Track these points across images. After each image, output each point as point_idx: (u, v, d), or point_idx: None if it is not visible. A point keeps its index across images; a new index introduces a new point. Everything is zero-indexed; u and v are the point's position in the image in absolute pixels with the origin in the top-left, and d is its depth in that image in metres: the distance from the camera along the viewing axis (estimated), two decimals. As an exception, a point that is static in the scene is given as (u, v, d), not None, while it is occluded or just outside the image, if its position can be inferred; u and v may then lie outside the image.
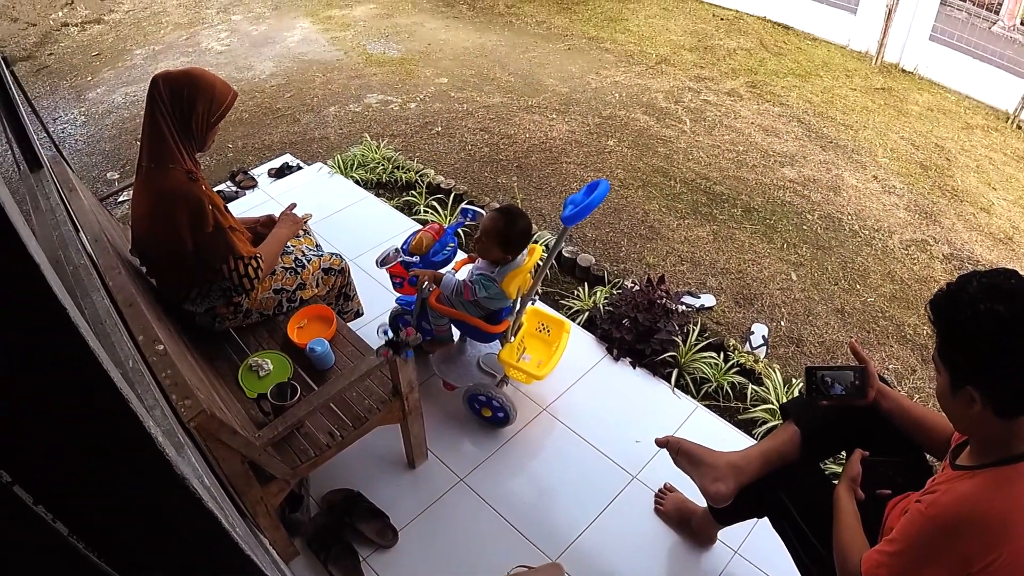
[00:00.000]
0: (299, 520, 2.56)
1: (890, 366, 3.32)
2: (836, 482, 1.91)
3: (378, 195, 4.30)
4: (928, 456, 1.96)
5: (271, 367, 2.50)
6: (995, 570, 1.45)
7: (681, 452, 2.14)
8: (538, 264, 2.68)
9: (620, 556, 2.55)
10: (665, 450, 2.21)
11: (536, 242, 3.55)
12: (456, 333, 2.98)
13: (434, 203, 4.17)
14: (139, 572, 0.95)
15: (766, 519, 2.16)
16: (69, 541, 0.77)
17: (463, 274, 2.75)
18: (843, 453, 2.20)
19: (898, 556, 1.55)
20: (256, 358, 2.52)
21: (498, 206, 2.61)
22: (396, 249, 2.83)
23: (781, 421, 2.21)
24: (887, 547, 1.58)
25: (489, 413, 2.85)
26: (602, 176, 4.34)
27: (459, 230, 3.83)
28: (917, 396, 3.16)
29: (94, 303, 1.89)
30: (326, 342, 2.51)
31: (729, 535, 2.57)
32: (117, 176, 4.70)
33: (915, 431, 1.92)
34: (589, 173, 4.58)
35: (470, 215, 2.93)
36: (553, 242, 2.51)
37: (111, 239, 2.34)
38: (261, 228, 2.80)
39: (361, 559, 2.49)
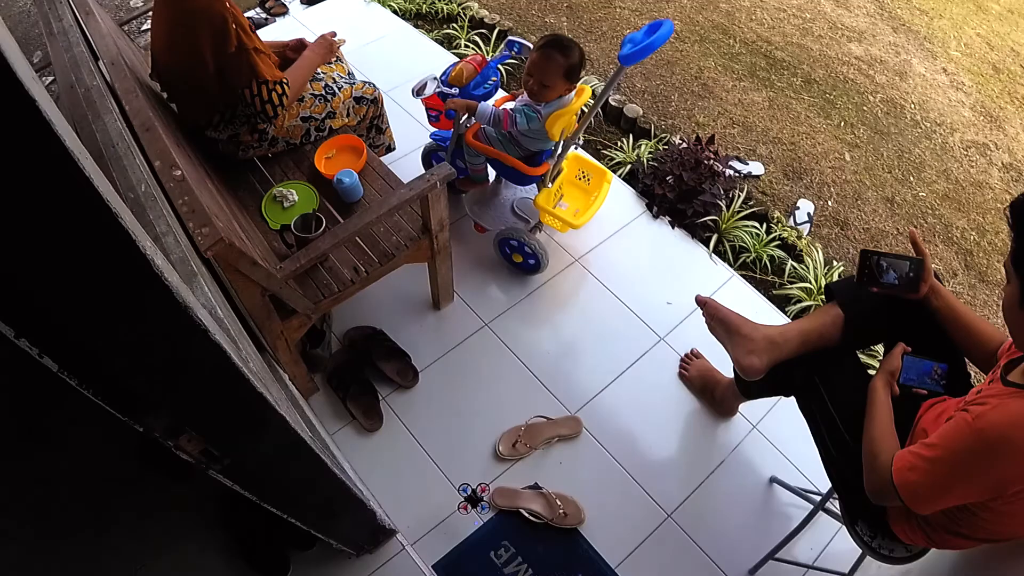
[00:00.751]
0: (320, 356, 2.52)
1: (932, 265, 3.19)
2: (873, 373, 1.83)
3: (416, 26, 3.99)
4: (969, 364, 1.88)
5: (296, 198, 2.36)
6: (1016, 499, 1.41)
7: (718, 318, 2.04)
8: (585, 107, 2.48)
9: (638, 416, 2.54)
10: (700, 313, 2.11)
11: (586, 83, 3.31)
12: (492, 174, 2.83)
13: (476, 38, 3.87)
14: (143, 411, 0.89)
15: (790, 399, 2.11)
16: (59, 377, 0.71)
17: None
18: (881, 347, 2.12)
19: (934, 463, 1.47)
20: (281, 188, 2.38)
21: (541, 38, 2.37)
22: (434, 78, 2.62)
23: (822, 302, 2.10)
24: (924, 451, 1.50)
25: (520, 259, 2.75)
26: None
27: (502, 65, 3.59)
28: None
29: (106, 126, 1.74)
30: (355, 174, 2.36)
31: (749, 410, 2.55)
32: (140, 3, 4.36)
33: (963, 336, 1.82)
34: (643, 20, 4.23)
35: (516, 48, 2.69)
36: (604, 85, 2.30)
37: (129, 62, 2.15)
38: (290, 53, 2.58)
39: (380, 398, 2.48)
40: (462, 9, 4.05)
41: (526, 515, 2.29)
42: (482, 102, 2.47)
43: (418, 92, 2.61)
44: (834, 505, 2.08)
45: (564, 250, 2.90)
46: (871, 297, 1.88)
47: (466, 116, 2.49)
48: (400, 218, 2.35)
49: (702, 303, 2.08)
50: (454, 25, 3.96)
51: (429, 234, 2.30)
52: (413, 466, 2.37)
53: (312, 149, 2.50)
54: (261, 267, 1.76)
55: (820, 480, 2.39)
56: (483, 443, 2.43)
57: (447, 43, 3.87)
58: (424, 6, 4.08)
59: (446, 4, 4.07)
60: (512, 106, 2.46)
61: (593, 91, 2.71)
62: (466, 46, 3.80)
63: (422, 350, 2.59)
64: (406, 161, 3.07)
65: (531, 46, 2.46)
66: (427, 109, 2.69)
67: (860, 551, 2.15)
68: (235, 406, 1.09)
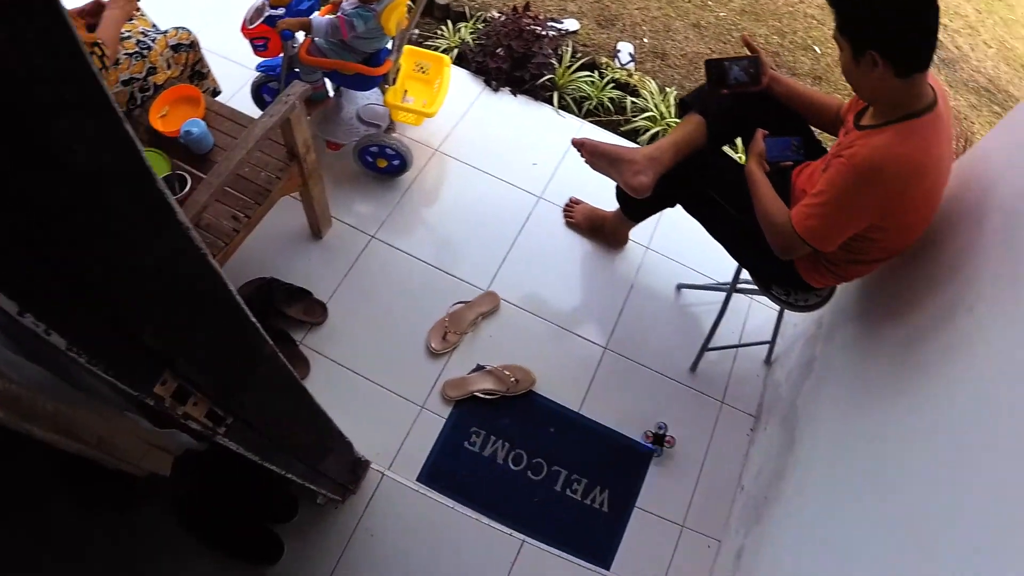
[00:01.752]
0: None
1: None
2: (743, 161, 2.04)
3: None
4: (818, 133, 2.15)
5: None
6: (905, 210, 1.68)
7: (598, 153, 2.17)
8: (411, -1, 2.46)
9: (544, 272, 2.65)
10: (566, 165, 2.24)
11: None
12: (331, 89, 2.75)
13: None
14: (154, 376, 0.85)
15: (672, 213, 2.31)
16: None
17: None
18: (741, 141, 2.32)
19: (826, 205, 1.71)
20: None
21: None
22: (259, 5, 2.48)
23: (679, 118, 2.27)
24: (814, 200, 1.74)
25: (384, 163, 2.72)
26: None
27: None
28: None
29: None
30: (201, 122, 2.22)
31: (638, 234, 2.71)
32: None
33: (806, 110, 2.07)
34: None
35: None
36: None
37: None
38: (90, 19, 2.35)
39: (297, 343, 2.40)
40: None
41: (482, 396, 2.36)
42: (314, 17, 2.39)
43: (251, 22, 2.47)
44: (744, 285, 2.30)
45: (422, 144, 2.89)
46: (722, 99, 2.07)
47: (300, 34, 2.40)
48: (263, 153, 2.24)
49: (579, 144, 2.19)
50: None
51: (297, 159, 2.22)
52: (357, 395, 2.34)
53: (143, 112, 2.32)
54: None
55: (717, 273, 2.62)
56: (414, 348, 2.45)
57: None
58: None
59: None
60: (344, 11, 2.39)
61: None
62: None
63: (320, 282, 2.53)
64: (235, 102, 2.91)
65: None
66: (252, 40, 2.54)
67: (776, 318, 2.42)
68: (234, 345, 1.06)
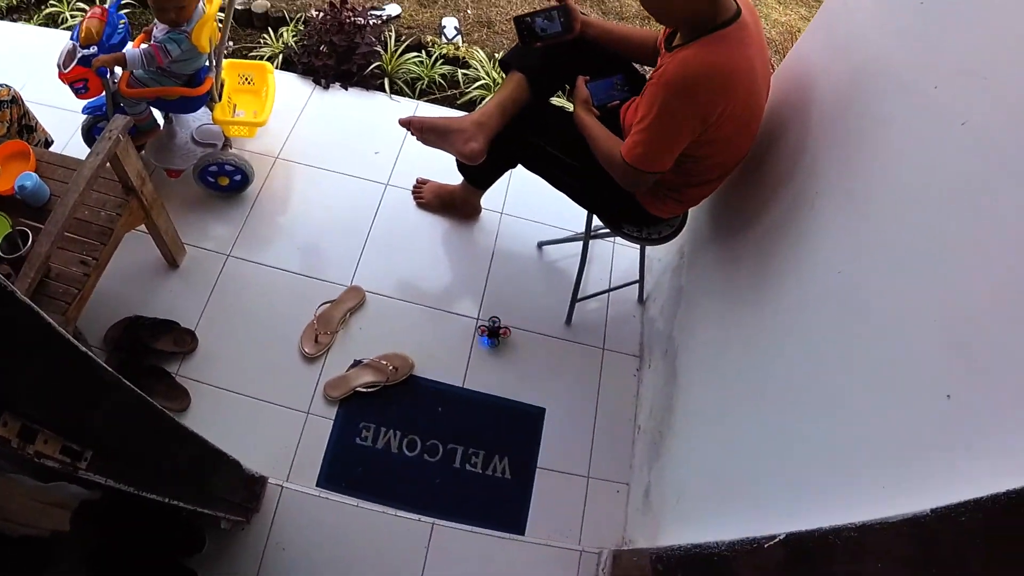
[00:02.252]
0: None
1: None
2: (571, 110, 2.09)
3: (14, 20, 3.47)
4: (638, 67, 2.20)
5: None
6: (725, 119, 1.72)
7: (425, 128, 2.19)
8: (221, 10, 2.42)
9: (405, 257, 2.68)
10: (406, 148, 2.25)
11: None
12: (159, 118, 2.69)
13: (81, 4, 3.46)
14: None
15: (519, 173, 2.36)
16: None
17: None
18: (567, 87, 2.38)
19: (648, 128, 1.76)
20: None
21: None
22: (70, 47, 2.38)
23: (502, 79, 2.30)
24: (637, 127, 1.80)
25: (226, 180, 2.68)
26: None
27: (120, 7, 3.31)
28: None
29: None
30: (34, 175, 2.14)
31: (490, 201, 2.77)
32: None
33: (623, 47, 2.12)
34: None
35: None
36: None
37: None
38: None
39: (173, 375, 2.36)
40: (51, -21, 3.57)
41: (364, 390, 2.38)
42: (127, 50, 2.33)
43: (64, 66, 2.37)
44: (600, 231, 2.38)
45: (261, 155, 2.85)
46: (540, 52, 2.11)
47: (117, 70, 2.33)
48: (99, 192, 2.18)
49: (406, 123, 2.21)
50: (52, 1, 3.50)
51: (135, 192, 2.17)
52: (242, 414, 2.32)
53: None
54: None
55: (574, 224, 2.69)
56: (289, 356, 2.44)
57: (55, 22, 3.41)
58: (9, -1, 3.53)
59: (33, -16, 3.55)
60: (156, 38, 2.34)
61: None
62: (73, 14, 3.40)
63: (185, 311, 2.48)
64: (70, 149, 2.79)
65: None
66: (71, 84, 2.44)
67: (638, 254, 2.51)
68: (70, 377, 1.05)
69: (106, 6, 2.53)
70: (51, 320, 0.92)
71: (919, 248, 1.17)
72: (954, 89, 1.18)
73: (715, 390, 1.98)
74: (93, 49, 2.36)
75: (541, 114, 2.20)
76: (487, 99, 2.27)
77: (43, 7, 3.48)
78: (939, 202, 1.15)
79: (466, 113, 2.41)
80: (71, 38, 2.40)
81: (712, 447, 1.90)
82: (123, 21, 2.47)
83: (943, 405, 1.00)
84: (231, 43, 3.03)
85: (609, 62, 2.14)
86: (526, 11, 2.09)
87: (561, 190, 2.25)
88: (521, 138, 2.18)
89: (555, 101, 2.84)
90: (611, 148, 1.91)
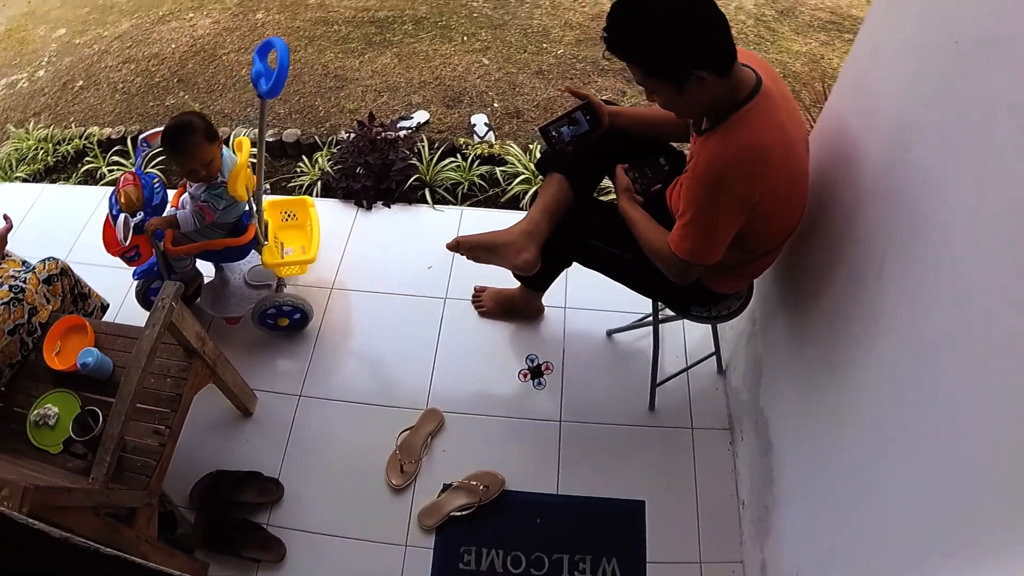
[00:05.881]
0: (185, 534, 2.31)
1: (603, 96, 3.54)
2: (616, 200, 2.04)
3: (54, 181, 3.62)
4: (676, 145, 2.16)
5: (56, 410, 2.11)
6: (768, 195, 1.65)
7: (474, 247, 2.16)
8: (252, 156, 2.46)
9: (476, 370, 2.63)
10: (459, 257, 2.21)
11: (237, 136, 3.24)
12: (208, 270, 2.72)
13: (116, 158, 3.59)
14: None
15: (572, 268, 2.31)
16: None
17: (187, 203, 2.46)
18: (607, 181, 2.34)
19: (692, 222, 1.71)
20: (36, 411, 2.11)
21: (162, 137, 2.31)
22: (123, 220, 2.43)
23: (541, 181, 2.27)
24: (681, 220, 1.74)
25: (286, 321, 2.69)
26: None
27: (148, 166, 3.42)
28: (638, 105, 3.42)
29: None
30: (94, 350, 2.17)
31: (551, 298, 2.71)
32: None
33: (655, 131, 2.09)
34: (249, 56, 4.21)
35: (145, 144, 2.59)
36: (258, 126, 2.29)
37: None
38: None
39: (264, 526, 2.33)
40: (86, 139, 3.72)
41: (459, 514, 2.30)
42: (178, 213, 2.38)
43: (126, 238, 2.41)
44: (666, 312, 2.30)
45: (316, 288, 2.86)
46: (575, 151, 2.07)
47: (159, 234, 2.39)
48: (162, 359, 2.19)
49: (453, 246, 2.18)
50: (88, 158, 3.65)
51: (196, 354, 2.18)
52: (341, 556, 2.26)
53: (37, 355, 2.25)
54: (79, 489, 1.62)
55: (640, 306, 2.60)
56: (377, 491, 2.39)
57: (93, 179, 3.56)
58: (49, 158, 3.68)
59: (68, 145, 3.71)
60: (198, 197, 2.38)
61: (251, 138, 2.68)
62: (110, 170, 3.54)
63: (266, 459, 2.45)
64: (126, 311, 2.85)
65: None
66: (123, 255, 2.50)
67: (709, 327, 2.43)
68: None
69: (135, 169, 2.59)
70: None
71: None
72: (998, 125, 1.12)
73: (812, 458, 1.87)
74: (140, 216, 2.41)
75: (587, 212, 2.15)
76: (531, 205, 2.25)
77: (80, 165, 3.62)
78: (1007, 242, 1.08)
79: (511, 221, 2.39)
80: (111, 211, 2.45)
81: (819, 514, 1.79)
82: (156, 180, 2.53)
83: None
84: (267, 186, 3.08)
85: (644, 147, 2.10)
86: (549, 120, 2.07)
87: (621, 283, 2.19)
88: (571, 239, 2.14)
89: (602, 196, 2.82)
90: (657, 241, 1.85)
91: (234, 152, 2.42)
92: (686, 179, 1.72)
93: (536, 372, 2.48)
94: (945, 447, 1.22)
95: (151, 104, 4.04)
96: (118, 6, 5.06)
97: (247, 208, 2.50)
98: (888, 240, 1.50)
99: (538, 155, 3.15)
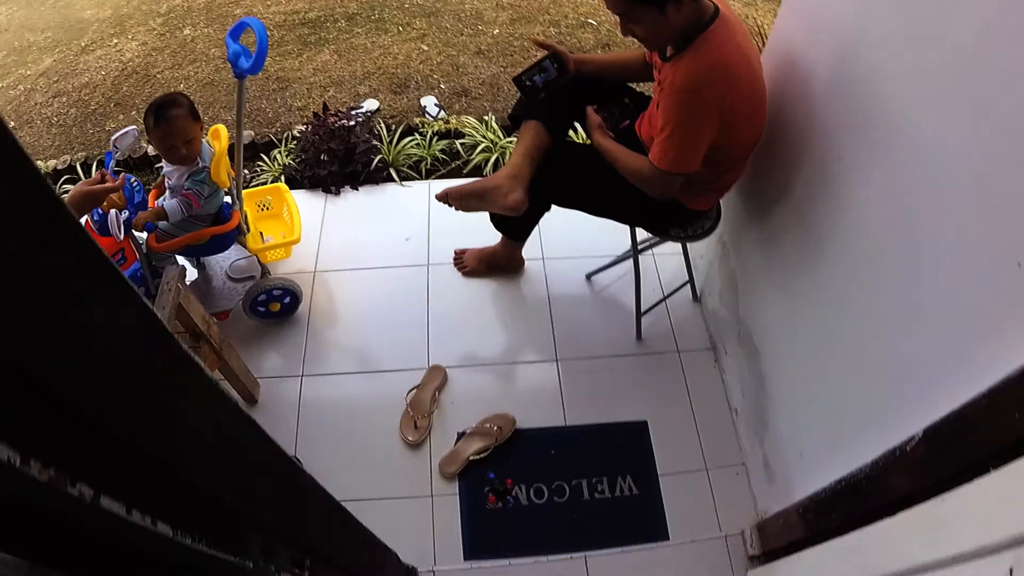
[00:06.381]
0: None
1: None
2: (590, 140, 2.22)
3: None
4: (634, 84, 2.37)
5: None
6: (736, 105, 1.86)
7: (464, 195, 2.28)
8: (231, 142, 2.51)
9: (470, 326, 2.75)
10: (447, 205, 2.32)
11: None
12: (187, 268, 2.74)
13: (67, 185, 3.52)
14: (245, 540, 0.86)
15: (547, 218, 2.50)
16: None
17: (168, 198, 2.48)
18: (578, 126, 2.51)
19: (674, 134, 1.89)
20: None
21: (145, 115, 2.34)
22: (113, 215, 2.38)
23: (516, 130, 2.41)
24: (660, 136, 1.93)
25: (277, 306, 2.73)
26: (197, 67, 4.05)
27: (116, 166, 3.38)
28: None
29: None
30: None
31: (529, 252, 2.86)
32: None
33: (618, 72, 2.30)
34: (187, 70, 4.20)
35: (115, 148, 2.58)
36: (236, 109, 2.34)
37: None
38: None
39: None
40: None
41: (477, 458, 2.41)
42: (165, 203, 2.40)
43: (121, 232, 2.38)
44: (643, 244, 2.47)
45: (299, 275, 2.89)
46: (546, 99, 2.24)
47: (149, 226, 2.39)
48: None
49: (443, 197, 2.30)
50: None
51: (204, 337, 2.22)
52: (372, 518, 2.08)
53: None
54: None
55: (614, 248, 2.79)
56: (395, 450, 2.46)
57: None
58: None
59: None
60: (180, 187, 2.40)
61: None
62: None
63: (279, 440, 2.46)
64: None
65: (134, 133, 2.40)
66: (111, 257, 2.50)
67: (682, 260, 2.61)
68: (288, 487, 1.07)
69: (106, 170, 2.56)
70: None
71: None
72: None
73: (801, 346, 2.07)
74: (126, 212, 2.42)
75: (564, 153, 2.32)
76: (503, 160, 2.38)
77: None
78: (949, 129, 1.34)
79: (480, 177, 2.51)
80: (93, 218, 2.45)
81: (816, 396, 2.00)
82: (134, 179, 2.54)
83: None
84: (246, 171, 3.12)
85: (609, 89, 2.29)
86: (520, 71, 2.23)
87: (603, 216, 2.35)
88: (553, 180, 2.29)
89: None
90: (636, 162, 2.04)
91: (210, 142, 2.47)
92: (663, 98, 1.89)
93: (499, 493, 2.41)
94: (913, 310, 1.47)
95: (91, 131, 3.99)
96: (36, 45, 4.96)
97: (226, 200, 2.54)
98: (845, 136, 1.71)
99: (497, 124, 3.30)
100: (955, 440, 1.32)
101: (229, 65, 2.18)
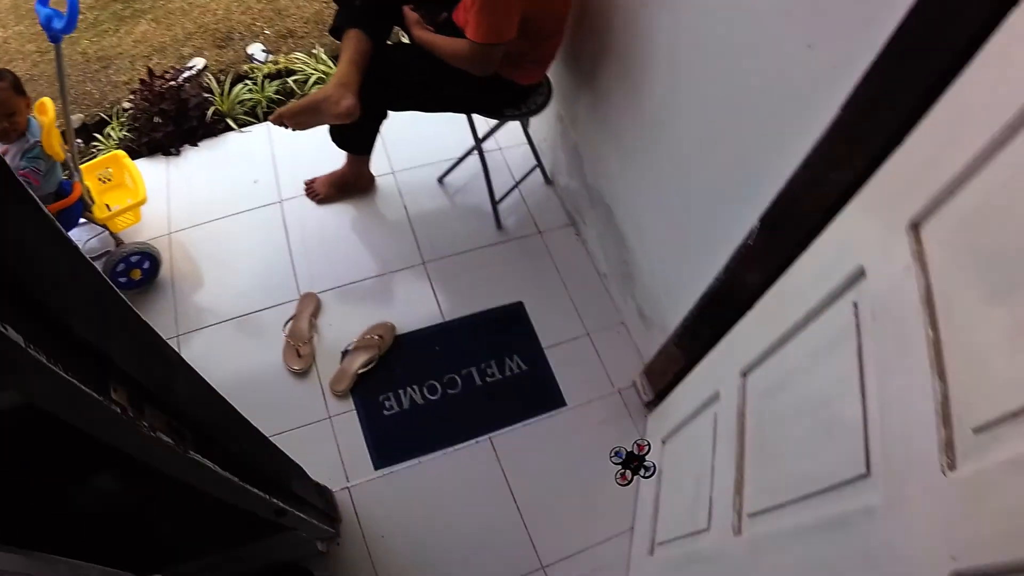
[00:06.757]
0: None
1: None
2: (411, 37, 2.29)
3: None
4: None
5: None
6: None
7: (296, 113, 2.30)
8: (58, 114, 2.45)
9: (333, 250, 2.79)
10: (282, 126, 2.33)
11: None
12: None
13: None
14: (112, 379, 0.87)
15: (389, 133, 2.59)
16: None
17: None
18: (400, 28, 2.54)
19: (483, 6, 1.95)
20: None
21: None
22: None
23: (338, 43, 2.42)
24: (471, 11, 1.98)
25: (139, 273, 2.68)
26: (15, 65, 3.86)
27: None
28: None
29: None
30: None
31: (378, 168, 2.90)
32: None
33: None
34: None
35: None
36: (57, 73, 2.26)
37: None
38: None
39: None
40: None
41: (365, 371, 2.48)
42: None
43: None
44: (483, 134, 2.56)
45: (154, 239, 2.84)
46: (362, 6, 2.28)
47: None
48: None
49: (276, 119, 2.32)
50: None
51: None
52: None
53: None
54: None
55: (455, 149, 2.87)
56: (284, 381, 2.50)
57: None
58: None
59: None
60: (16, 168, 2.31)
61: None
62: None
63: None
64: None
65: None
66: None
67: (528, 145, 2.70)
68: (149, 350, 1.04)
69: None
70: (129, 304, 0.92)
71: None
72: None
73: (644, 194, 2.20)
74: None
75: (388, 55, 2.35)
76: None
77: None
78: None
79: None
80: None
81: (666, 235, 2.14)
82: None
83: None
84: (80, 141, 3.03)
85: None
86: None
87: (438, 110, 2.42)
88: (382, 83, 2.32)
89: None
90: (456, 45, 2.10)
91: (37, 117, 2.39)
92: None
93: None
94: (727, 115, 1.62)
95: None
96: None
97: (63, 176, 2.48)
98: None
99: (320, 56, 3.28)
100: (787, 217, 1.46)
101: (48, 58, 2.11)
